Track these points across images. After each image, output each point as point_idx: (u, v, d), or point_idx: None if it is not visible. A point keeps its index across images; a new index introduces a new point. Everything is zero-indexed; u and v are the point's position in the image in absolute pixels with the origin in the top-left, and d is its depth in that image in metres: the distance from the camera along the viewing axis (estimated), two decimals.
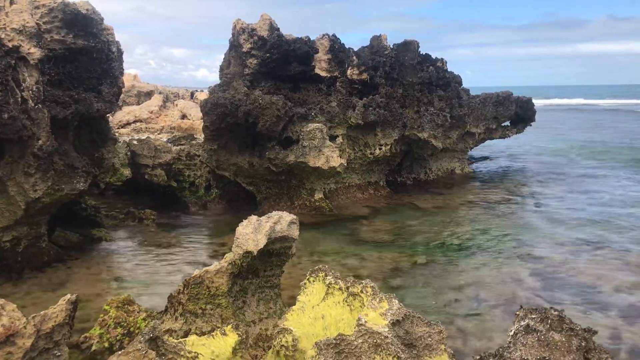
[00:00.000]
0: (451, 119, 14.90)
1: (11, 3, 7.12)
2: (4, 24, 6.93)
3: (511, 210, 12.40)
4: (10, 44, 6.87)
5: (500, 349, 3.34)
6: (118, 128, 20.79)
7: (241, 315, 5.08)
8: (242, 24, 12.38)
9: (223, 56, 13.08)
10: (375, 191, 14.03)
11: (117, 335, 5.22)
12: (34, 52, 7.09)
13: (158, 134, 20.72)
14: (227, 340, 3.94)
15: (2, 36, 6.85)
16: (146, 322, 5.30)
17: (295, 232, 5.10)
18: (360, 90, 13.75)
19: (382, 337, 3.41)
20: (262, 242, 4.86)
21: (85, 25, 7.79)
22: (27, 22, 7.06)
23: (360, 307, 3.84)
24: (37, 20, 7.31)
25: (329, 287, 4.07)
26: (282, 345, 3.69)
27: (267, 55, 12.02)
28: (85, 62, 8.03)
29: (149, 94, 26.04)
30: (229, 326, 4.08)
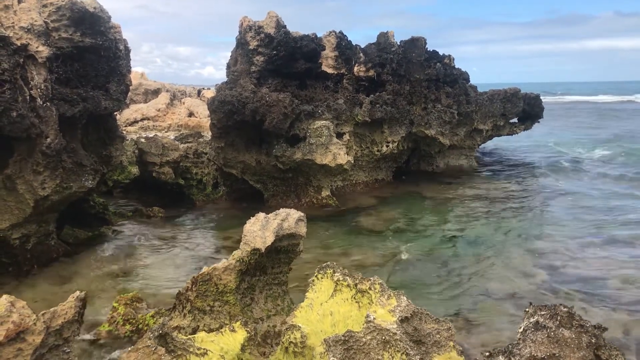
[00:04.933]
0: (458, 115, 14.85)
1: (19, 2, 7.15)
2: (12, 23, 6.96)
3: (519, 203, 12.34)
4: (18, 43, 6.90)
5: (510, 346, 3.32)
6: (125, 126, 20.82)
7: (249, 312, 5.08)
8: (248, 21, 12.37)
9: (229, 54, 13.06)
10: (382, 188, 14.04)
11: (126, 332, 5.25)
12: (42, 51, 7.12)
13: (165, 131, 20.76)
14: (235, 336, 3.95)
15: (11, 35, 6.88)
16: (155, 319, 5.33)
17: (302, 229, 5.09)
18: (367, 87, 13.72)
19: (391, 334, 3.40)
20: (269, 239, 4.86)
21: (93, 23, 7.81)
22: (35, 21, 7.09)
23: (369, 303, 3.83)
24: (45, 18, 7.33)
25: (337, 283, 4.06)
26: (291, 342, 3.69)
27: (274, 52, 12.00)
28: (92, 60, 8.06)
29: (156, 92, 26.05)
30: (238, 323, 4.08)
